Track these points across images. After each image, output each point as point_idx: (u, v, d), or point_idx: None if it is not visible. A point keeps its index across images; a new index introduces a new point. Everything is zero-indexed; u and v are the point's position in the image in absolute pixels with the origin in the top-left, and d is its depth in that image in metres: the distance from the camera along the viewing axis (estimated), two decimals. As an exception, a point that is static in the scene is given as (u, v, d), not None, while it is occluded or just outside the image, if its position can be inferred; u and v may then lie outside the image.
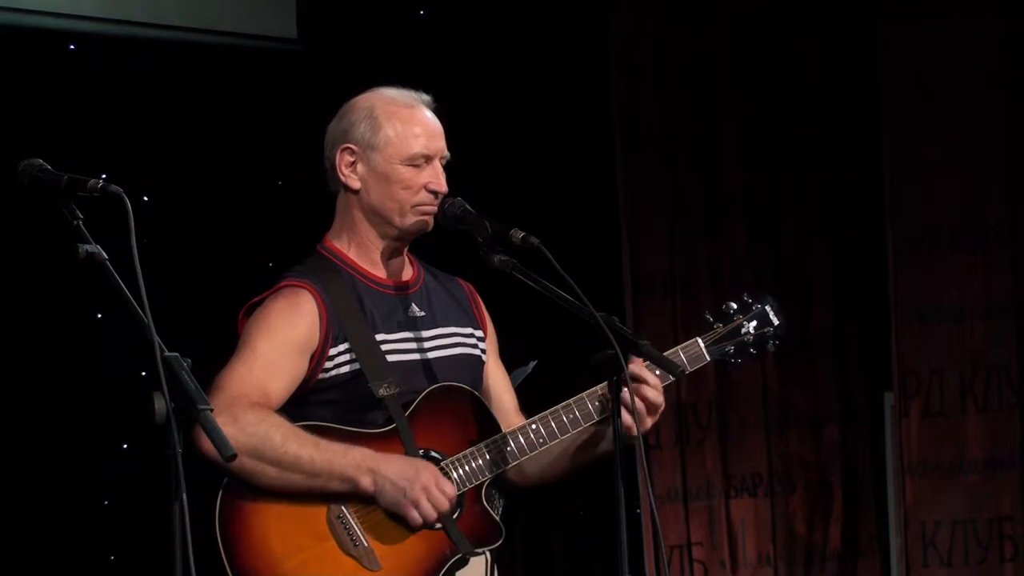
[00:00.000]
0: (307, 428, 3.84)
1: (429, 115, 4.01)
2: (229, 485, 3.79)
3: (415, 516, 3.81)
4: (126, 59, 5.84)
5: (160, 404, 3.02)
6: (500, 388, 4.15)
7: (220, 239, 5.95)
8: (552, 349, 5.40)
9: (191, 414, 3.03)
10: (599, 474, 4.00)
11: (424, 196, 3.95)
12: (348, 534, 3.82)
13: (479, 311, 4.15)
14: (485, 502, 3.92)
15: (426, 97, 4.04)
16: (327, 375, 3.90)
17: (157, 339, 3.03)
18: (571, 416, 3.95)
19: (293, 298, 3.92)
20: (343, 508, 3.83)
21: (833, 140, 7.15)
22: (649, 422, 3.90)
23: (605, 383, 3.85)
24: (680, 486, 6.97)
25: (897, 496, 7.08)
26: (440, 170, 3.98)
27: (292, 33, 6.20)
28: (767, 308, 4.17)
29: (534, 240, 3.80)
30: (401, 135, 3.96)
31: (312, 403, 3.90)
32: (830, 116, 7.14)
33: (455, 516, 3.88)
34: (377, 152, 3.96)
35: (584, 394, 3.96)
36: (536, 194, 6.52)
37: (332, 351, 3.89)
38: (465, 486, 3.89)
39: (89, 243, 3.13)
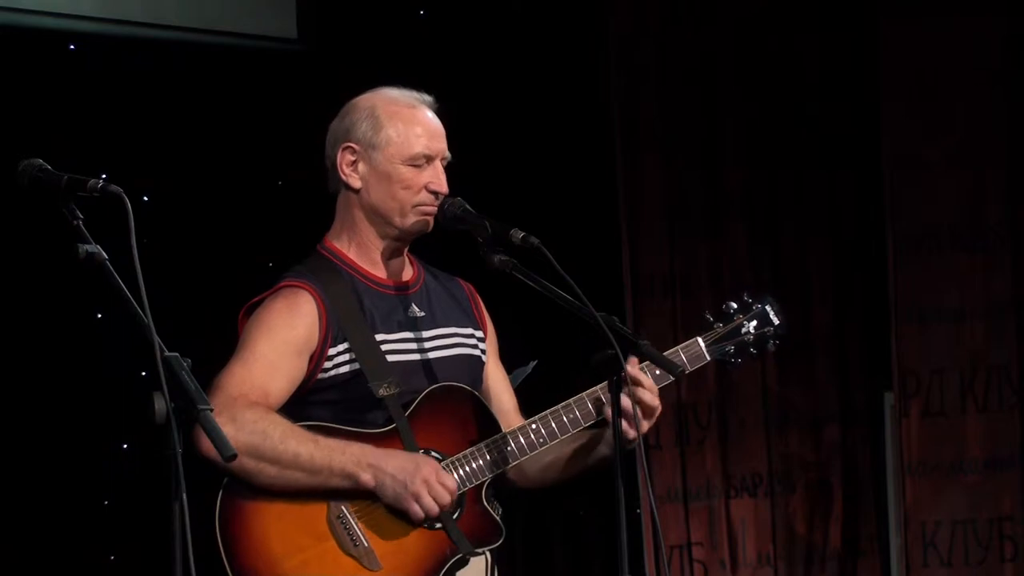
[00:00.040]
0: (307, 428, 3.84)
1: (431, 116, 4.02)
2: (229, 485, 3.79)
3: (417, 510, 3.81)
4: (126, 59, 5.84)
5: (160, 404, 3.02)
6: (500, 389, 4.15)
7: (220, 239, 5.95)
8: (552, 349, 5.40)
9: (191, 414, 3.03)
10: (599, 474, 4.00)
11: (425, 196, 3.96)
12: (348, 534, 3.82)
13: (479, 311, 4.15)
14: (485, 502, 3.93)
15: (428, 98, 4.05)
16: (327, 375, 3.90)
17: (157, 339, 3.03)
18: (571, 416, 3.95)
19: (292, 298, 3.92)
20: (343, 508, 3.83)
21: (833, 140, 7.15)
22: (645, 425, 3.89)
23: (605, 383, 3.84)
24: (680, 486, 6.97)
25: (897, 496, 7.08)
26: (441, 171, 3.98)
27: (292, 33, 6.20)
28: (767, 308, 4.17)
29: (534, 240, 3.80)
30: (403, 135, 3.96)
31: (312, 403, 3.90)
32: (830, 116, 7.14)
33: (455, 516, 3.89)
34: (378, 151, 3.96)
35: (584, 394, 3.95)
36: (536, 194, 6.52)
37: (331, 351, 3.89)
38: (465, 486, 3.89)
39: (89, 243, 3.13)
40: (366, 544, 3.82)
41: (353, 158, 3.98)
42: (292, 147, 5.83)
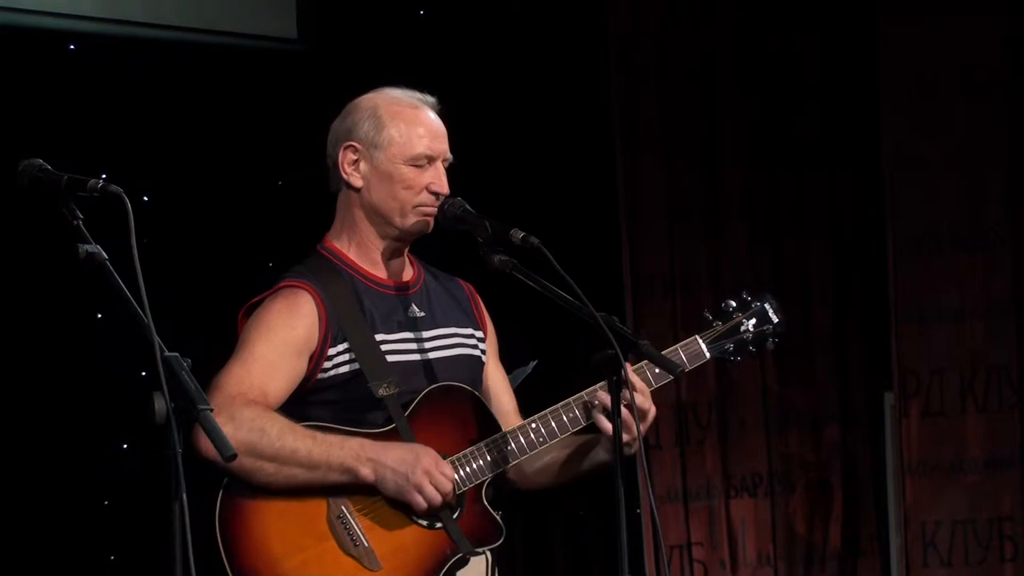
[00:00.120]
0: (306, 426, 3.84)
1: (433, 116, 4.02)
2: (229, 485, 3.79)
3: (420, 501, 3.81)
4: (126, 59, 5.84)
5: (160, 404, 3.02)
6: (500, 389, 4.15)
7: (220, 239, 5.95)
8: (552, 349, 5.40)
9: (191, 414, 3.03)
10: (597, 479, 4.00)
11: (425, 197, 3.96)
12: (348, 534, 3.82)
13: (479, 311, 4.15)
14: (486, 502, 3.92)
15: (431, 99, 4.05)
16: (326, 375, 3.90)
17: (157, 339, 3.03)
18: (571, 415, 3.95)
19: (292, 299, 3.92)
20: (343, 508, 3.83)
21: (833, 140, 7.15)
22: (638, 429, 3.87)
23: (605, 382, 3.84)
24: (680, 486, 6.97)
25: (897, 496, 7.08)
26: (442, 171, 3.99)
27: (292, 33, 6.20)
28: (766, 306, 4.17)
29: (534, 240, 3.80)
30: (405, 135, 3.96)
31: (311, 403, 3.90)
32: (830, 116, 7.14)
33: (455, 516, 3.89)
34: (380, 151, 3.96)
35: (584, 393, 3.95)
36: (536, 194, 6.52)
37: (331, 351, 3.90)
38: (465, 486, 3.89)
39: (89, 243, 3.13)
40: (366, 544, 3.83)
41: (355, 157, 3.98)
42: (292, 147, 5.83)
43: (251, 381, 3.82)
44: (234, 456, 3.06)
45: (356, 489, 3.83)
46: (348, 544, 3.82)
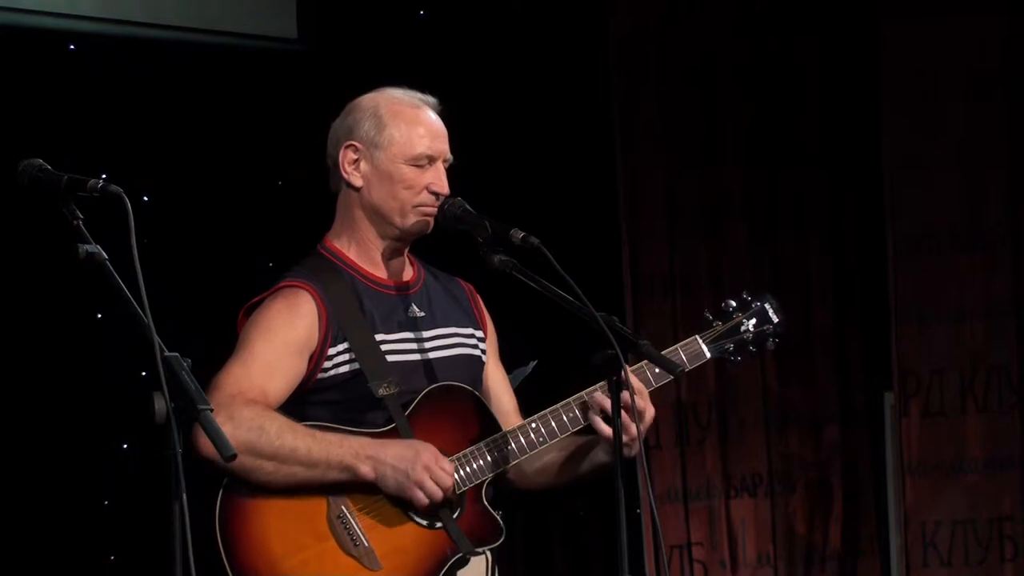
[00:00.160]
0: (306, 426, 3.84)
1: (434, 117, 4.02)
2: (229, 485, 3.79)
3: (421, 497, 3.81)
4: (126, 59, 5.84)
5: (160, 404, 3.01)
6: (500, 389, 4.15)
7: (220, 239, 5.95)
8: (552, 349, 5.40)
9: (191, 414, 3.03)
10: (597, 480, 4.00)
11: (426, 197, 3.96)
12: (348, 534, 3.82)
13: (479, 311, 4.15)
14: (486, 502, 3.93)
15: (432, 99, 4.06)
16: (326, 375, 3.90)
17: (157, 339, 3.03)
18: (571, 415, 3.95)
19: (292, 298, 3.92)
20: (343, 507, 3.83)
21: (833, 140, 7.15)
22: (636, 430, 3.86)
23: (605, 382, 3.84)
24: (680, 486, 6.97)
25: (897, 496, 7.08)
26: (442, 172, 3.99)
27: (292, 33, 6.20)
28: (766, 306, 4.17)
29: (534, 240, 3.80)
30: (406, 135, 3.97)
31: (312, 403, 3.90)
32: (830, 116, 7.14)
33: (456, 516, 3.89)
34: (381, 151, 3.96)
35: (584, 393, 3.95)
36: (536, 194, 6.52)
37: (331, 351, 3.90)
38: (465, 486, 3.89)
39: (89, 243, 3.13)
40: (366, 544, 3.83)
41: (355, 156, 3.98)
42: (292, 147, 5.83)
43: (251, 381, 3.82)
44: (234, 456, 3.06)
45: (356, 488, 3.83)
46: (348, 544, 3.82)
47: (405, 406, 3.90)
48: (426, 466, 3.81)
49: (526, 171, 6.63)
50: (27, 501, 5.56)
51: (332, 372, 3.90)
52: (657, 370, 3.95)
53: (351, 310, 3.93)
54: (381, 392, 3.88)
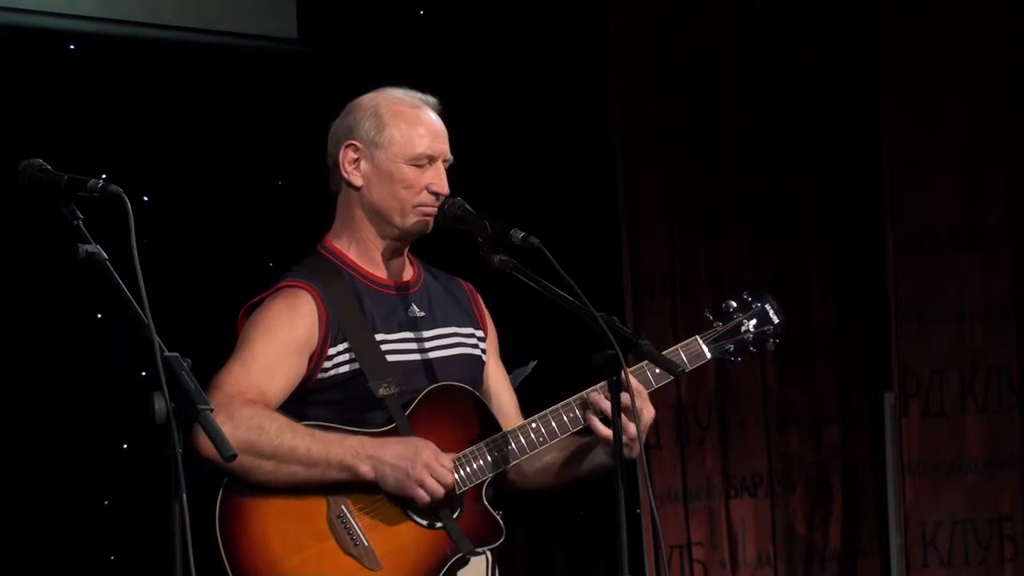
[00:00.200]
0: (306, 426, 3.84)
1: (434, 117, 4.02)
2: (229, 485, 3.79)
3: (422, 495, 3.81)
4: (126, 59, 5.84)
5: (160, 404, 3.01)
6: (500, 388, 4.15)
7: (220, 239, 5.95)
8: (552, 349, 5.39)
9: (191, 414, 3.03)
10: (597, 482, 4.00)
11: (426, 197, 3.96)
12: (348, 533, 3.82)
13: (479, 311, 4.15)
14: (486, 501, 3.92)
15: (432, 99, 4.06)
16: (326, 375, 3.90)
17: (157, 339, 3.03)
18: (571, 415, 3.95)
19: (292, 298, 3.92)
20: (343, 507, 3.83)
21: (833, 140, 7.15)
22: (635, 431, 3.85)
23: (604, 383, 3.84)
24: (680, 486, 6.97)
25: (897, 496, 7.08)
26: (443, 172, 3.99)
27: (292, 33, 6.20)
28: (767, 306, 4.17)
29: (534, 240, 3.80)
30: (406, 135, 3.97)
31: (312, 403, 3.90)
32: (830, 116, 7.14)
33: (456, 515, 3.89)
34: (381, 150, 3.96)
35: (584, 393, 3.95)
36: (536, 194, 6.52)
37: (331, 351, 3.90)
38: (465, 485, 3.89)
39: (89, 243, 3.13)
40: (366, 543, 3.82)
41: (356, 156, 3.99)
42: (292, 147, 5.83)
43: (250, 380, 3.82)
44: (234, 456, 3.06)
45: (356, 488, 3.83)
46: (348, 543, 3.82)
47: (405, 406, 3.90)
48: (426, 464, 3.80)
49: (526, 171, 6.62)
50: (27, 501, 5.56)
51: (332, 372, 3.90)
52: (657, 370, 3.95)
53: (351, 310, 3.93)
54: (381, 392, 3.88)
